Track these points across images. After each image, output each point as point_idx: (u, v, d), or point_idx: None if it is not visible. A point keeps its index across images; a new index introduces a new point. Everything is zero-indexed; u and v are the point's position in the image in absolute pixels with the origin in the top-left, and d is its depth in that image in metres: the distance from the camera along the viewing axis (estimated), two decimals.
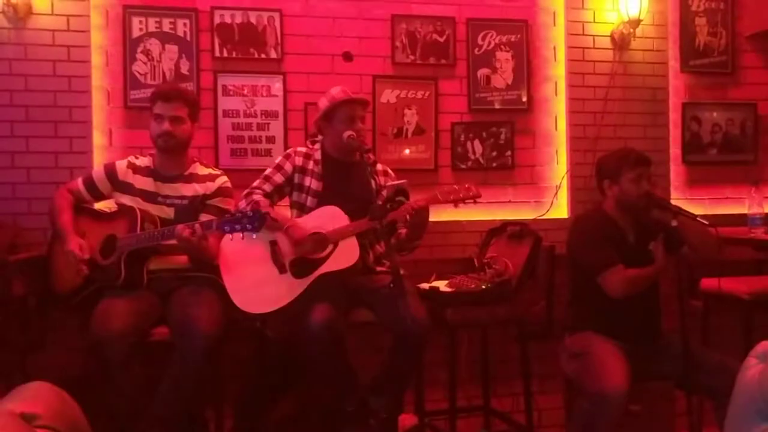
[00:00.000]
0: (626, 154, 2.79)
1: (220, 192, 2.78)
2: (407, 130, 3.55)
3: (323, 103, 2.83)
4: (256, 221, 2.28)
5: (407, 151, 3.50)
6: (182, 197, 2.73)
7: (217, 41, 3.40)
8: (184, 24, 3.35)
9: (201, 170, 2.84)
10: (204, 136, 3.30)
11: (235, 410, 2.84)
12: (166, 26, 3.34)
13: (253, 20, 3.41)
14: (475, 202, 2.64)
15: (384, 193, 2.64)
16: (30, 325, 2.65)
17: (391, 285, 2.26)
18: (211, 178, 2.82)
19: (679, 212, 2.50)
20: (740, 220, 3.46)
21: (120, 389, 2.29)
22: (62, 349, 2.80)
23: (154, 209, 2.67)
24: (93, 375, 2.24)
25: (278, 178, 2.78)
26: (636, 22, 3.57)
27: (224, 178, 2.85)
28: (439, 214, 3.21)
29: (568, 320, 2.88)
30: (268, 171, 2.84)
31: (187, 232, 2.39)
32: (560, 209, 3.66)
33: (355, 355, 2.56)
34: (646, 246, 2.67)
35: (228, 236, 2.34)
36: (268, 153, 3.40)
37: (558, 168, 3.74)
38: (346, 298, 2.56)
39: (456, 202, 2.61)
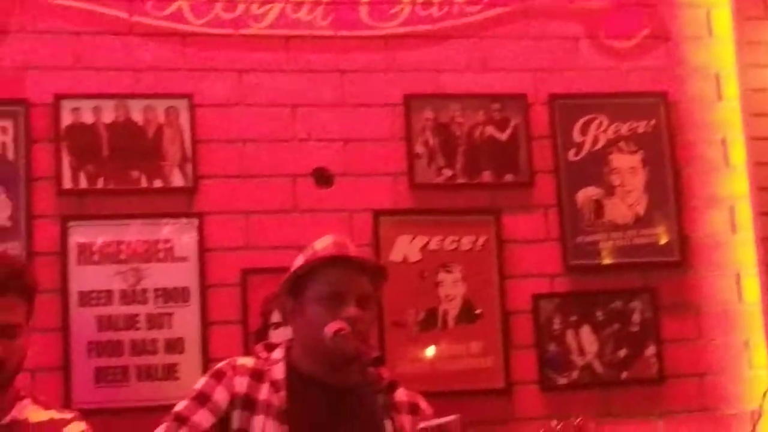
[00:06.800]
0: None
1: None
2: (446, 313, 3.53)
3: (296, 264, 2.82)
4: None
5: (431, 350, 3.53)
6: None
7: (67, 160, 3.38)
8: (3, 129, 3.39)
9: (35, 414, 2.76)
10: (41, 346, 3.14)
11: None
12: None
13: (137, 117, 3.45)
14: None
15: None
16: None
17: None
18: (55, 426, 2.75)
19: None
20: None
21: None
22: None
23: None
24: None
25: (203, 419, 2.65)
26: None
27: (79, 427, 2.75)
28: None
29: None
30: (180, 406, 2.69)
31: None
32: None
33: None
34: None
35: None
36: (171, 374, 3.35)
37: (754, 376, 3.69)
38: None
39: None
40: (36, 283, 2.82)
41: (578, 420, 2.57)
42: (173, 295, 3.38)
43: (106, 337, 3.32)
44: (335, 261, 2.72)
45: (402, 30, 3.70)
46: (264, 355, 2.80)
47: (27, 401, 2.75)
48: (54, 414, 2.76)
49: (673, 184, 3.76)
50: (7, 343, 2.64)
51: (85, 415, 2.81)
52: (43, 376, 3.22)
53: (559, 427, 2.56)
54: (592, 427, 2.57)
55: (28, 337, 2.74)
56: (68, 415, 2.78)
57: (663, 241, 3.71)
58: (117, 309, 3.36)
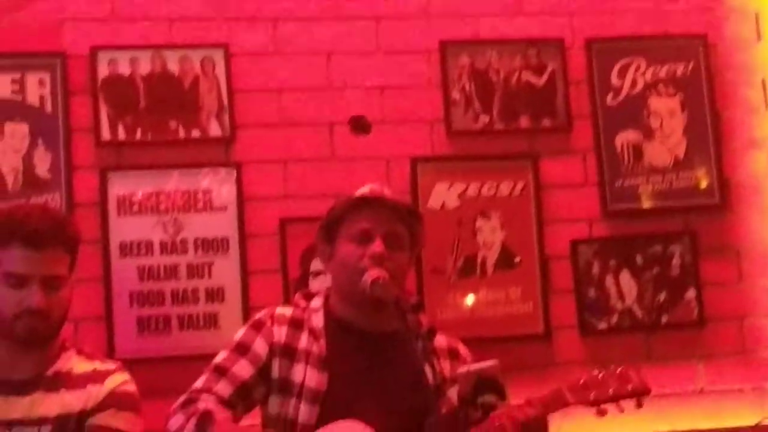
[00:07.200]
0: None
1: (112, 402, 2.73)
2: (484, 260, 3.55)
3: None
4: None
5: (470, 297, 3.52)
6: (41, 420, 2.69)
7: (104, 111, 3.41)
8: (41, 81, 3.39)
9: (79, 365, 2.81)
10: (83, 297, 3.15)
11: None
12: (6, 87, 3.39)
13: (173, 67, 3.47)
14: (639, 404, 2.51)
15: (454, 390, 2.54)
16: None
17: None
18: (98, 377, 2.79)
19: None
20: None
21: None
22: None
23: None
24: None
25: (243, 369, 2.69)
26: None
27: (121, 378, 2.81)
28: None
29: None
30: (220, 358, 2.75)
31: None
32: None
33: None
34: None
35: None
36: (212, 323, 3.39)
37: None
38: None
39: (600, 405, 2.49)
40: (78, 235, 2.85)
41: (619, 369, 2.59)
42: (213, 245, 3.41)
43: (147, 288, 3.35)
44: (366, 202, 2.74)
45: None
46: (303, 303, 2.83)
47: (71, 352, 2.81)
48: (97, 365, 2.80)
49: (712, 126, 3.73)
50: (52, 295, 2.68)
51: (128, 364, 2.88)
52: (86, 326, 3.26)
53: (600, 375, 2.57)
54: (634, 375, 2.59)
55: (71, 288, 2.78)
56: (111, 366, 2.82)
57: (703, 184, 3.70)
58: (157, 259, 3.37)
